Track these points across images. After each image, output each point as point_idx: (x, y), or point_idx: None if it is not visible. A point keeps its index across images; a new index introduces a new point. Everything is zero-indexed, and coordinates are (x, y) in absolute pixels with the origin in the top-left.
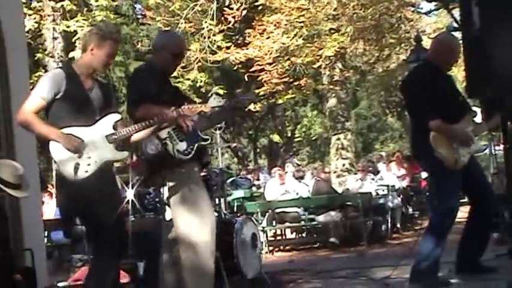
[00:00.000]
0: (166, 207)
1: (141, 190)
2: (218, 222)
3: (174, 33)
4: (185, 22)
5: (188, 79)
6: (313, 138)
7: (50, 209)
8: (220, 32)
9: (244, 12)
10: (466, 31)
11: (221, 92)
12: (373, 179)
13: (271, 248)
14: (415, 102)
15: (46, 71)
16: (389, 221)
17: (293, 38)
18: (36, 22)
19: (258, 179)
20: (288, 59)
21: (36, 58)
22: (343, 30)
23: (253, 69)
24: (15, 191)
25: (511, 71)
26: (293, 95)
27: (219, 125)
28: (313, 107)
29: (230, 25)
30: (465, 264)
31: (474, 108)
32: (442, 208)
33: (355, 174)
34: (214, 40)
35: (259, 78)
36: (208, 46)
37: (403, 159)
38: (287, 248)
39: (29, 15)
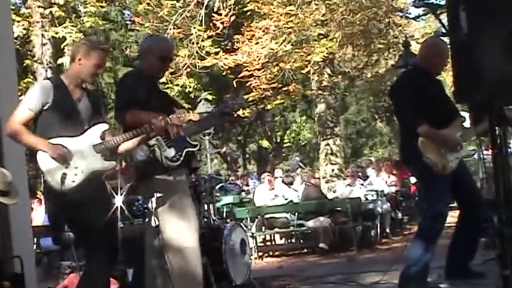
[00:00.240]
0: (154, 213)
1: (130, 197)
2: (207, 228)
3: (160, 37)
4: (174, 28)
5: (177, 85)
6: (302, 144)
7: (39, 216)
8: (209, 37)
9: (233, 18)
10: (453, 36)
11: (210, 97)
12: (362, 184)
13: (260, 254)
14: (404, 108)
15: (35, 77)
16: (378, 226)
17: (282, 43)
18: (24, 28)
19: (247, 185)
20: (277, 65)
21: (24, 64)
22: (332, 36)
23: (242, 74)
24: (3, 198)
25: (499, 75)
26: (282, 101)
27: (207, 131)
28: (302, 113)
29: (219, 31)
30: (454, 269)
31: (462, 113)
32: (430, 213)
33: (344, 179)
34: (203, 46)
35: (248, 83)
36: (197, 52)
37: (392, 166)
38: (276, 253)
39: (18, 21)
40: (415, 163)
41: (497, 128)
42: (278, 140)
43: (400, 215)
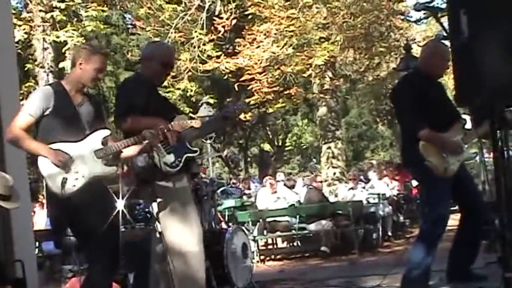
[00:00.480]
0: (156, 218)
1: (132, 201)
2: (209, 232)
3: (162, 43)
4: (175, 32)
5: (178, 88)
6: (304, 147)
7: (41, 219)
8: (210, 41)
9: (234, 21)
10: (454, 39)
11: (211, 101)
12: (364, 188)
13: (262, 257)
14: (405, 111)
15: (36, 81)
16: (380, 229)
17: (283, 47)
18: (26, 33)
19: (248, 188)
20: (278, 68)
21: (26, 69)
22: (333, 39)
23: (243, 78)
24: (5, 202)
25: (500, 78)
26: (283, 104)
27: (209, 135)
28: (304, 116)
29: (220, 34)
30: (456, 272)
31: (464, 116)
32: (432, 216)
33: (346, 183)
34: (204, 49)
35: (250, 87)
36: (198, 55)
37: (394, 170)
38: (278, 257)
39: (19, 25)
40: (416, 166)
41: (498, 131)
42: (280, 144)
43: (401, 218)
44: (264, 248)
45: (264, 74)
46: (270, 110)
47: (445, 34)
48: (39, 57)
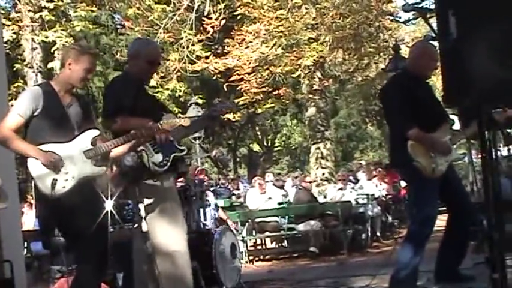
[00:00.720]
0: (143, 218)
1: (120, 201)
2: (197, 233)
3: (148, 41)
4: (164, 32)
5: (167, 89)
6: (293, 148)
7: (30, 220)
8: (199, 41)
9: (223, 22)
10: (443, 40)
11: (200, 101)
12: (352, 188)
13: (251, 258)
14: (394, 111)
15: (25, 81)
16: (369, 229)
17: (272, 47)
18: (14, 33)
19: (237, 189)
20: (267, 69)
21: (14, 69)
22: (322, 40)
23: (232, 78)
24: None
25: (488, 79)
26: (272, 104)
27: (198, 135)
28: (293, 116)
29: (209, 35)
30: (444, 273)
31: (452, 117)
32: (420, 217)
33: (335, 183)
34: (193, 50)
35: (239, 87)
36: (187, 56)
37: (383, 171)
38: (267, 257)
39: (8, 25)
40: (405, 167)
41: (486, 132)
42: (269, 144)
43: (390, 218)
44: (252, 248)
45: (253, 74)
46: (259, 111)
47: (433, 35)
48: (28, 58)
